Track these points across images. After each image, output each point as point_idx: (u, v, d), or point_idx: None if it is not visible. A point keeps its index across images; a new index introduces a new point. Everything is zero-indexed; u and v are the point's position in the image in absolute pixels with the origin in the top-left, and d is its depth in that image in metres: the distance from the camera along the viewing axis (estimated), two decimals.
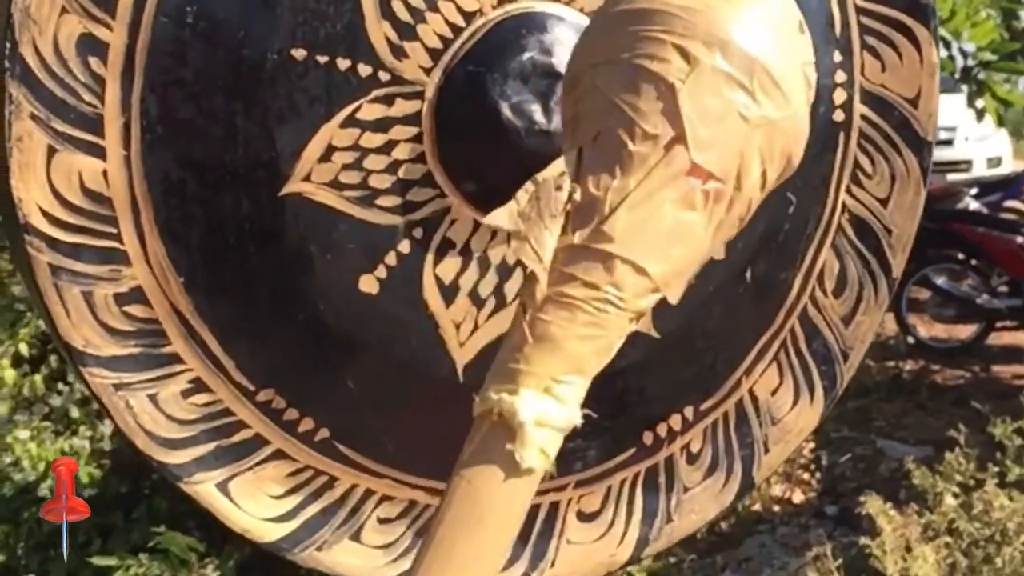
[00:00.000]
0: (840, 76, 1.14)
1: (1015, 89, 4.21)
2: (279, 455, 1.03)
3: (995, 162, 10.81)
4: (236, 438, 1.01)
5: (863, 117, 1.15)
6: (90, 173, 0.94)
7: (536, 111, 0.98)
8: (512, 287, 1.05)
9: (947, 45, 3.61)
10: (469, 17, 1.00)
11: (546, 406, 0.73)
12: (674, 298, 0.77)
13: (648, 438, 1.17)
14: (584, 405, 0.86)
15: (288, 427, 1.03)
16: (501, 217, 0.96)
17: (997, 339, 6.86)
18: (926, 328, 7.00)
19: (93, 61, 0.92)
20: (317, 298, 1.00)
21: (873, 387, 5.84)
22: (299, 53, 0.96)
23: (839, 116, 1.14)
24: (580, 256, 0.75)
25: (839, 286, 1.18)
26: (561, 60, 0.99)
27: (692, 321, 1.12)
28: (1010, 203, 7.68)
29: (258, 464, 1.03)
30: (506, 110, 0.98)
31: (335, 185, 0.99)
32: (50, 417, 2.97)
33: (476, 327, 1.05)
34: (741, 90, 0.74)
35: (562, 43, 1.00)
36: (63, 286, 0.96)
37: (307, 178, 0.98)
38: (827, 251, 1.17)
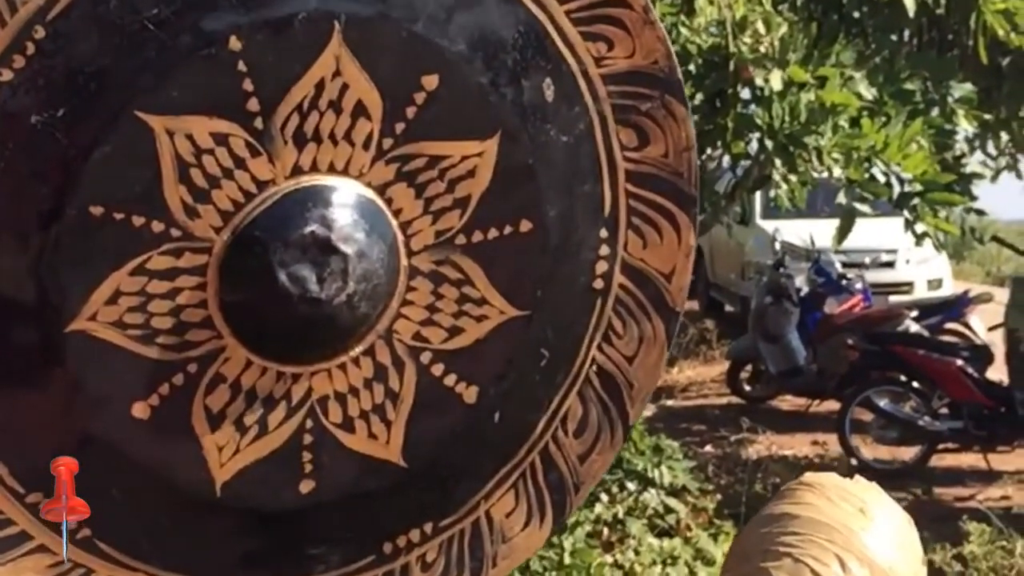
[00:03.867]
0: (604, 250, 1.76)
1: (951, 216, 5.30)
2: (42, 549, 1.59)
3: (935, 284, 13.94)
4: (3, 533, 1.57)
5: (621, 286, 1.78)
6: None
7: (311, 280, 1.55)
8: (275, 417, 1.64)
9: (884, 172, 4.65)
10: (262, 185, 1.55)
11: None
12: None
13: (388, 548, 1.82)
14: (333, 520, 1.56)
15: (52, 525, 1.60)
16: None
17: (939, 461, 9.04)
18: (869, 450, 9.44)
19: None
20: (92, 420, 1.57)
21: None
22: (97, 210, 1.50)
23: (599, 284, 1.77)
24: None
25: (580, 428, 1.82)
26: (339, 235, 1.56)
27: (438, 455, 1.74)
28: (950, 325, 10.56)
29: (21, 556, 1.61)
30: (282, 276, 1.54)
31: (118, 324, 1.54)
32: None
33: (238, 451, 1.63)
34: None
35: (344, 216, 1.57)
36: None
37: (92, 318, 1.53)
38: (573, 397, 1.80)
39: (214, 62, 1.51)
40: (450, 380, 1.72)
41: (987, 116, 6.28)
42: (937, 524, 6.74)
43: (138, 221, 1.53)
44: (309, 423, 1.67)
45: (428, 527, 1.80)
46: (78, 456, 1.60)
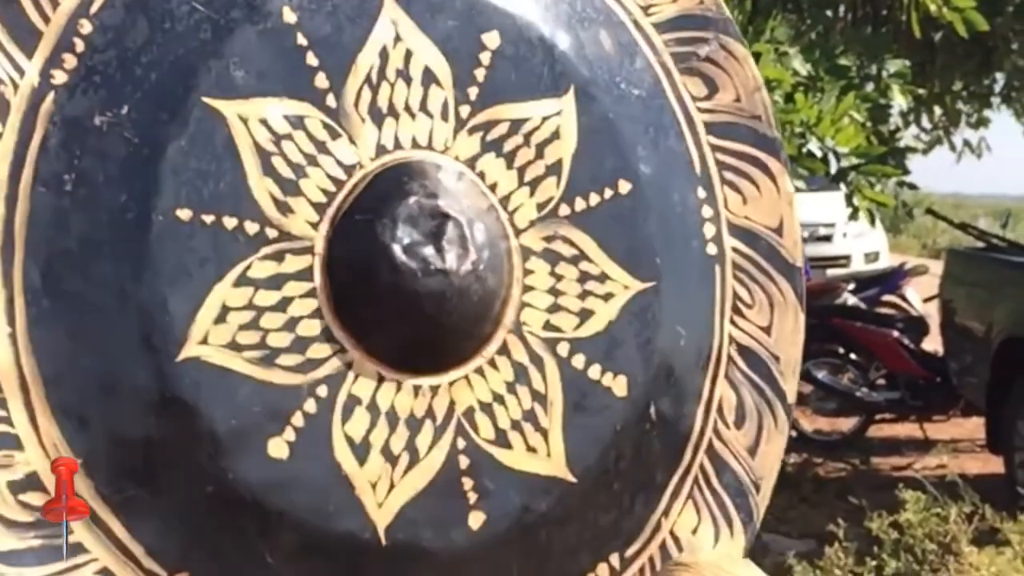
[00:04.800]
0: (707, 211, 1.70)
1: (886, 189, 5.62)
2: None
3: (872, 257, 15.33)
4: None
5: (734, 249, 1.72)
6: None
7: (429, 251, 1.47)
8: (424, 440, 1.50)
9: (820, 147, 4.94)
10: (349, 170, 1.48)
11: None
12: None
13: None
14: (510, 558, 1.41)
15: None
16: None
17: (877, 431, 9.88)
18: (809, 421, 10.11)
19: None
20: (225, 466, 1.41)
21: None
22: (184, 213, 1.40)
23: (712, 249, 1.70)
24: None
25: (739, 417, 1.70)
26: (446, 202, 1.49)
27: (605, 463, 1.60)
28: (887, 297, 11.44)
29: None
30: (399, 253, 1.45)
31: (233, 346, 1.41)
32: None
33: (393, 485, 1.48)
34: None
35: (445, 186, 1.51)
36: None
37: (204, 341, 1.40)
38: (722, 383, 1.69)
39: (272, 37, 1.48)
40: (595, 372, 1.61)
41: (921, 91, 6.67)
42: (875, 493, 7.35)
43: (230, 223, 1.44)
44: (461, 443, 1.53)
45: (615, 559, 1.63)
46: (218, 515, 1.47)
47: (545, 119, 1.62)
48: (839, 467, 9.37)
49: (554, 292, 1.61)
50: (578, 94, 1.64)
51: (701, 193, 1.73)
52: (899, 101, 6.15)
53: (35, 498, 1.37)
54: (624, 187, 1.66)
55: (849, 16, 7.42)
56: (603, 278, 1.64)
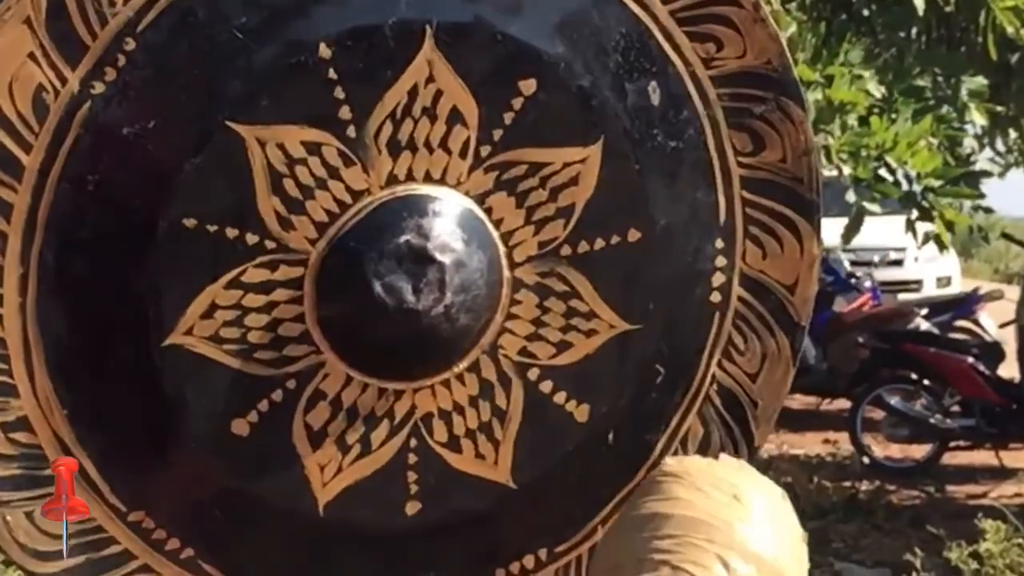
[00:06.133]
0: (720, 261, 1.78)
1: (959, 211, 5.49)
2: (145, 569, 1.68)
3: (945, 282, 15.18)
4: (105, 552, 1.67)
5: (740, 299, 1.80)
6: None
7: (406, 290, 1.60)
8: (378, 435, 1.69)
9: (892, 171, 4.91)
10: (357, 195, 1.62)
11: None
12: None
13: (500, 575, 1.91)
14: (442, 543, 1.66)
15: (156, 545, 1.68)
16: None
17: (951, 459, 9.82)
18: (881, 448, 10.25)
19: None
20: (190, 437, 1.64)
21: (830, 508, 8.33)
22: (190, 222, 1.58)
23: (716, 297, 1.79)
24: None
25: (701, 450, 1.82)
26: (436, 245, 1.62)
27: (551, 475, 1.76)
28: (960, 323, 11.36)
29: None
30: (378, 287, 1.60)
31: (215, 339, 1.61)
32: None
33: (340, 470, 1.69)
34: None
35: (441, 226, 1.63)
36: None
37: (188, 332, 1.60)
38: (693, 417, 1.81)
39: (304, 70, 1.59)
40: (560, 397, 1.76)
41: (999, 108, 6.57)
42: (951, 521, 7.43)
43: (232, 233, 1.61)
44: (413, 442, 1.73)
45: (543, 553, 1.83)
46: (178, 475, 1.74)
47: (567, 165, 1.71)
48: (913, 495, 9.31)
49: (537, 323, 1.75)
50: (607, 145, 1.71)
51: (719, 243, 1.80)
52: (977, 120, 5.84)
53: (22, 436, 1.65)
54: (633, 236, 1.75)
55: (923, 38, 6.65)
56: (590, 316, 1.76)
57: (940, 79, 5.67)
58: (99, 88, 1.59)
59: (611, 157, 1.71)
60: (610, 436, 1.82)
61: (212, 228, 1.62)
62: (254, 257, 1.65)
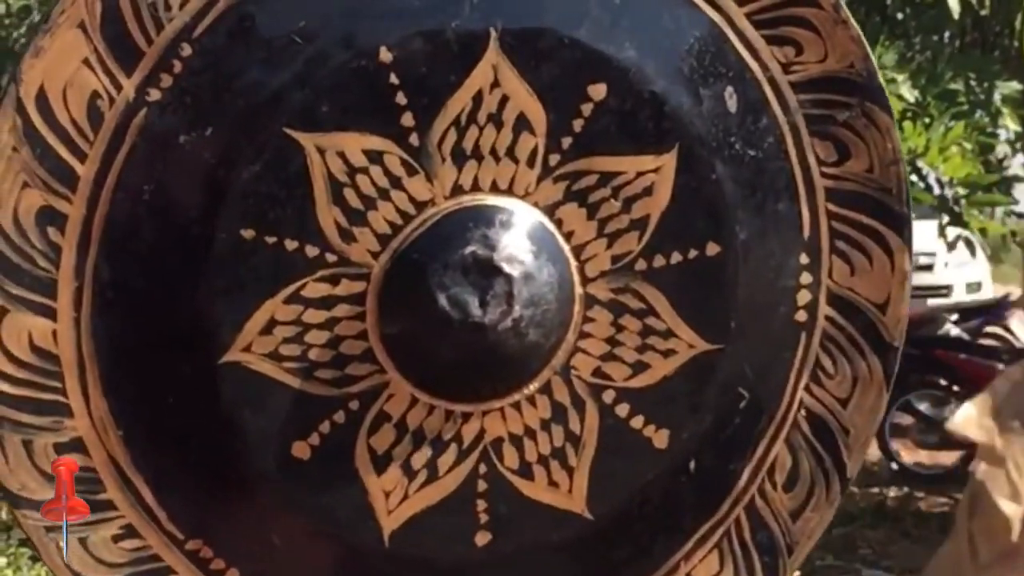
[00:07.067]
0: (806, 278, 1.70)
1: (992, 218, 5.34)
2: None
3: (975, 287, 15.12)
4: None
5: (828, 318, 1.72)
6: (40, 332, 1.53)
7: (472, 303, 1.55)
8: (446, 460, 1.63)
9: (922, 176, 4.90)
10: (421, 206, 1.57)
11: None
12: None
13: None
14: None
15: (213, 575, 1.65)
16: (965, 423, 1.43)
17: None
18: (910, 454, 10.10)
19: (51, 231, 1.51)
20: (249, 460, 1.59)
21: (857, 514, 8.44)
22: (248, 233, 1.53)
23: (802, 316, 1.71)
24: None
25: (790, 481, 1.74)
26: (502, 256, 1.56)
27: (628, 506, 1.69)
28: (991, 328, 11.04)
29: None
30: (442, 300, 1.54)
31: (274, 356, 1.56)
32: (27, 543, 4.05)
33: (406, 496, 1.63)
34: None
35: (508, 237, 1.58)
36: (4, 435, 1.54)
37: (247, 349, 1.56)
38: (780, 445, 1.73)
39: (364, 75, 1.55)
40: (637, 422, 1.69)
41: None
42: None
43: (291, 245, 1.56)
44: (483, 468, 1.66)
45: None
46: (237, 500, 1.68)
47: (640, 174, 1.64)
48: (941, 501, 9.24)
49: (611, 342, 1.68)
50: (682, 153, 1.64)
51: (804, 259, 1.72)
52: (1010, 126, 5.76)
53: (76, 459, 1.60)
54: (712, 249, 1.67)
55: (957, 41, 6.60)
56: (668, 335, 1.68)
57: (973, 83, 5.63)
58: (155, 95, 1.55)
59: (687, 166, 1.65)
60: (691, 464, 1.73)
61: (271, 240, 1.57)
62: (314, 271, 1.60)
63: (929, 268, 14.82)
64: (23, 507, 1.60)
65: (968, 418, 1.29)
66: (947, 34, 6.79)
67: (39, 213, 1.54)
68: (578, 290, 1.65)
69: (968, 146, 5.04)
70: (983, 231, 5.27)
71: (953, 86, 5.34)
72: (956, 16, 5.71)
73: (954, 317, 11.37)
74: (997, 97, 5.65)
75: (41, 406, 1.59)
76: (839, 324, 1.75)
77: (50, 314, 1.57)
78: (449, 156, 1.59)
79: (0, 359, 1.57)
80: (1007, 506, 1.09)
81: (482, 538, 1.69)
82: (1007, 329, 11.61)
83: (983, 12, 6.18)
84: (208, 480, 1.64)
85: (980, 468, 1.18)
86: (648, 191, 1.64)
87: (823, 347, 1.75)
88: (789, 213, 1.71)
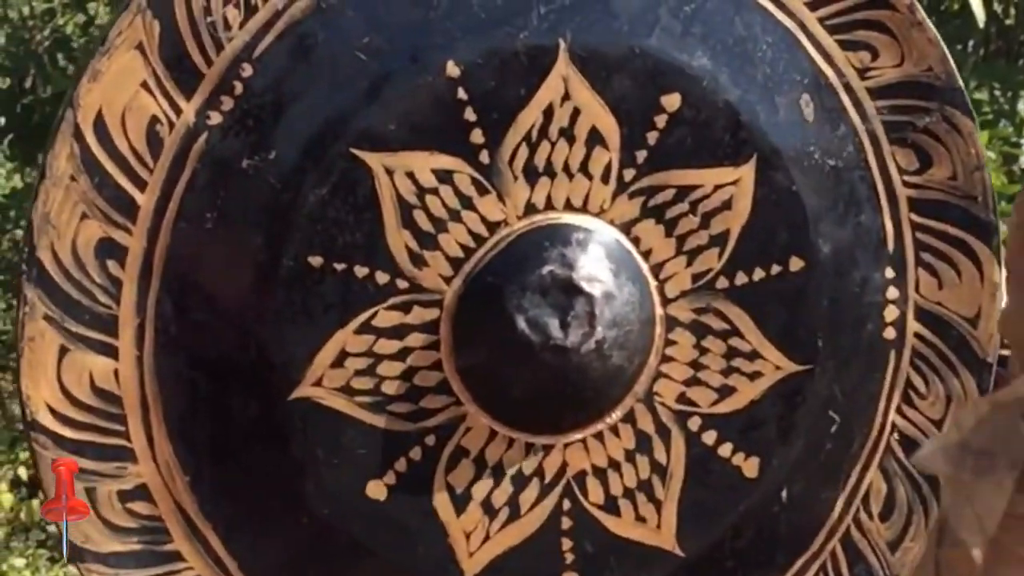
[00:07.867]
0: (892, 292, 1.64)
1: None
2: None
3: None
4: None
5: (917, 335, 1.65)
6: (101, 372, 1.47)
7: (553, 325, 1.48)
8: (528, 497, 1.56)
9: None
10: (493, 227, 1.51)
11: None
12: None
13: None
14: None
15: None
16: (931, 456, 1.20)
17: None
18: None
19: (111, 264, 1.45)
20: (322, 502, 1.51)
21: None
22: (316, 260, 1.48)
23: (890, 333, 1.64)
24: None
25: (886, 509, 1.66)
26: (582, 275, 1.50)
27: (720, 541, 1.62)
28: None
29: None
30: (521, 323, 1.48)
31: (346, 391, 1.50)
32: (46, 544, 4.01)
33: (487, 537, 1.55)
34: None
35: (586, 256, 1.52)
36: None
37: (318, 383, 1.49)
38: (874, 472, 1.66)
39: (432, 91, 1.50)
40: (725, 450, 1.61)
41: None
42: None
43: (361, 272, 1.50)
44: (567, 504, 1.58)
45: None
46: (309, 542, 1.59)
47: (717, 188, 1.58)
48: None
49: (695, 365, 1.61)
50: (760, 164, 1.59)
51: (889, 273, 1.65)
52: None
53: (141, 507, 1.53)
54: (796, 264, 1.61)
55: (981, 51, 6.78)
56: (753, 356, 1.61)
57: (997, 93, 5.61)
58: (215, 118, 1.50)
59: (765, 178, 1.59)
60: (783, 494, 1.65)
61: (340, 267, 1.51)
62: (386, 298, 1.53)
63: None
64: (87, 560, 1.51)
65: (933, 452, 1.22)
66: (971, 43, 6.84)
67: (98, 246, 1.48)
68: (659, 311, 1.58)
69: (992, 156, 5.04)
70: (1004, 242, 5.26)
71: (977, 96, 5.28)
72: (981, 25, 5.73)
73: None
74: (1022, 107, 5.64)
75: (103, 451, 1.51)
76: (929, 341, 1.68)
77: (111, 353, 1.50)
78: (521, 173, 1.54)
79: (61, 402, 1.49)
80: (971, 539, 1.01)
81: None
82: None
83: (1008, 21, 6.20)
84: (279, 525, 1.56)
85: (946, 499, 1.11)
86: (727, 205, 1.59)
87: (913, 365, 1.68)
88: (872, 225, 1.65)
